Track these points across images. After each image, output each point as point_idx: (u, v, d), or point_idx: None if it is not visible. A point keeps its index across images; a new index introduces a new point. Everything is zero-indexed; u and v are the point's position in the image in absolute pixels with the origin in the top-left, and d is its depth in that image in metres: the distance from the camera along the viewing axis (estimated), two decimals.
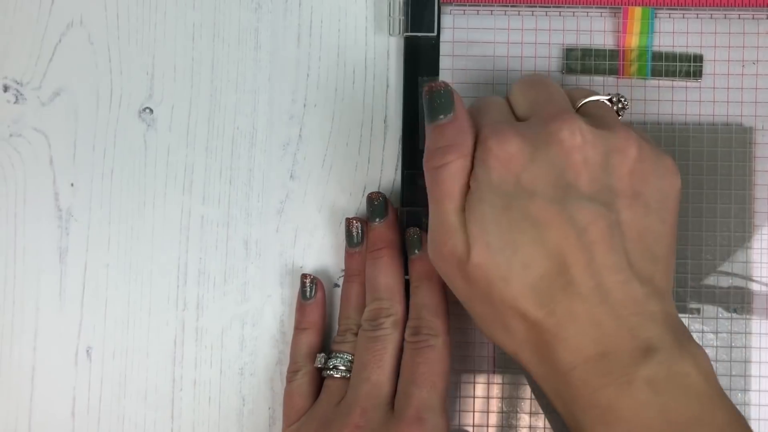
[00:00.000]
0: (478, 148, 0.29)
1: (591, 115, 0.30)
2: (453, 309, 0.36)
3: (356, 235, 0.35)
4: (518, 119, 0.30)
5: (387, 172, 0.38)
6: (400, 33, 0.37)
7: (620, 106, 0.31)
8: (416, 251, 0.34)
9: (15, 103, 0.38)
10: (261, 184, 0.38)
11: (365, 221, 0.36)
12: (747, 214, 0.36)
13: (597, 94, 0.31)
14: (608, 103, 0.31)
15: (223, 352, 0.37)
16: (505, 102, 0.31)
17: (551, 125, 0.28)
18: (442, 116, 0.29)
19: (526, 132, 0.28)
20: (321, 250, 0.37)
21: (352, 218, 0.36)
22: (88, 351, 0.37)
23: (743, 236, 0.36)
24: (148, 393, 0.37)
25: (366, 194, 0.37)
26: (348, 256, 0.36)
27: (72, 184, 0.38)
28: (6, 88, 0.38)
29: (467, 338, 0.36)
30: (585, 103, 0.30)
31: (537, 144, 0.28)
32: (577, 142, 0.28)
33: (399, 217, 0.36)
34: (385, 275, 0.34)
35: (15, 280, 0.38)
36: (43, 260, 0.38)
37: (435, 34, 0.36)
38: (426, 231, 0.35)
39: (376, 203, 0.35)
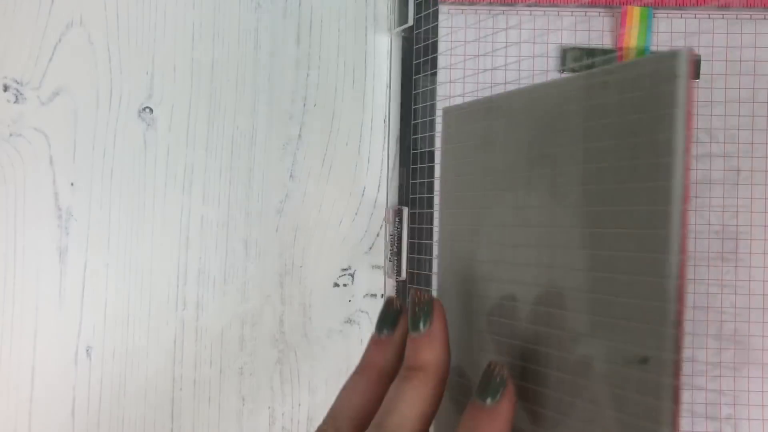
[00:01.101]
0: None
1: None
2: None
3: (390, 320, 0.25)
4: None
5: (387, 172, 0.38)
6: (391, 30, 0.37)
7: None
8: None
9: (15, 102, 0.38)
10: (261, 183, 0.38)
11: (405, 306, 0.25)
12: None
13: None
14: None
15: (222, 352, 0.37)
16: None
17: None
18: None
19: None
20: (320, 250, 0.37)
21: (394, 297, 0.26)
22: (87, 351, 0.37)
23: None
24: (148, 393, 0.37)
25: (369, 205, 0.37)
26: (372, 342, 0.25)
27: (72, 184, 0.38)
28: (6, 88, 0.38)
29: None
30: None
31: None
32: None
33: (406, 219, 0.36)
34: (406, 407, 0.23)
35: (15, 279, 0.37)
36: (43, 260, 0.37)
37: (410, 24, 0.36)
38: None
39: (418, 309, 0.24)
